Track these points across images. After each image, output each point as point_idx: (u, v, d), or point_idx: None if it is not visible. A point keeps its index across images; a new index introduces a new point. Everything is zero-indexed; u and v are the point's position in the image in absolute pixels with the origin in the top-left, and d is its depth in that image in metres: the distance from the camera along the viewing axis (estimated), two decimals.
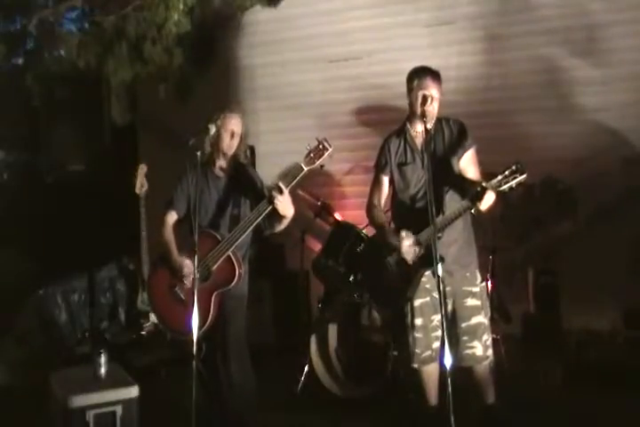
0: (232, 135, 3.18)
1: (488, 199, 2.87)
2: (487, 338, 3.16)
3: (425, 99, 3.05)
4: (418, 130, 3.16)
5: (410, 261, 3.05)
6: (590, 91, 4.70)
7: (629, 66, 4.61)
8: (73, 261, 4.95)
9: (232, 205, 3.20)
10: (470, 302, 3.12)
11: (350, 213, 4.63)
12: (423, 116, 3.01)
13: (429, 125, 3.04)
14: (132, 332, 4.44)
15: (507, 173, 2.84)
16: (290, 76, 5.40)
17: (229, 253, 3.06)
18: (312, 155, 2.96)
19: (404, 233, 3.03)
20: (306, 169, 2.97)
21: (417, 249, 3.02)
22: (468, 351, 3.10)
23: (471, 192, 2.94)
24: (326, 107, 5.26)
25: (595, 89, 4.69)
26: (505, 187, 2.84)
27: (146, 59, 4.93)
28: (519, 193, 2.92)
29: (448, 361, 2.52)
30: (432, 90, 3.06)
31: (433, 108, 3.06)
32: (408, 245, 3.02)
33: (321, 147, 2.96)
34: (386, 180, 3.26)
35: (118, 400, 2.99)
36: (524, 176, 2.83)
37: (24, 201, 5.94)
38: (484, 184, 2.85)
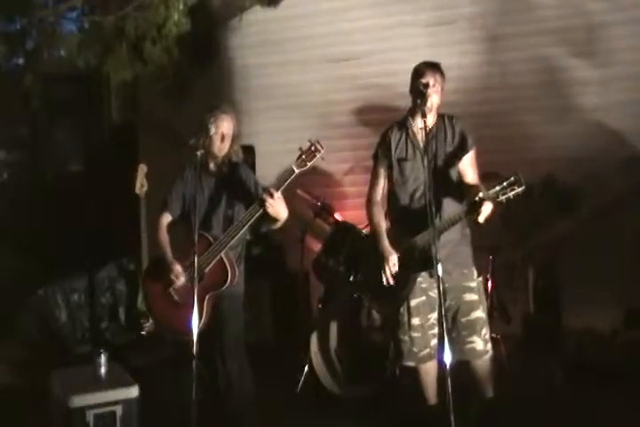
0: (222, 138, 3.16)
1: (486, 210, 2.86)
2: (486, 332, 3.17)
3: (419, 86, 3.03)
4: (420, 125, 3.14)
5: (384, 282, 3.11)
6: (590, 91, 4.70)
7: (629, 66, 4.61)
8: (73, 261, 4.95)
9: (225, 205, 3.19)
10: (469, 296, 3.13)
11: (350, 213, 4.62)
12: (423, 113, 2.97)
13: (431, 118, 3.02)
14: (131, 332, 4.44)
15: (505, 184, 2.84)
16: (290, 76, 5.39)
17: (222, 255, 3.06)
18: (304, 156, 2.94)
19: (392, 257, 3.10)
20: (297, 171, 2.95)
21: (390, 278, 3.10)
22: (468, 346, 3.10)
23: (468, 202, 2.95)
24: (326, 107, 5.26)
25: (594, 89, 4.69)
26: (502, 198, 2.85)
27: (146, 59, 4.93)
28: (520, 198, 2.92)
29: (447, 359, 2.53)
30: (428, 78, 3.06)
31: (431, 100, 3.02)
32: (390, 267, 3.09)
33: (313, 148, 2.94)
34: (385, 174, 3.25)
35: (118, 400, 2.98)
36: (523, 188, 2.84)
37: (24, 201, 5.94)
38: (480, 195, 2.85)
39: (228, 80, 5.59)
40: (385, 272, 3.11)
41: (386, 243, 3.16)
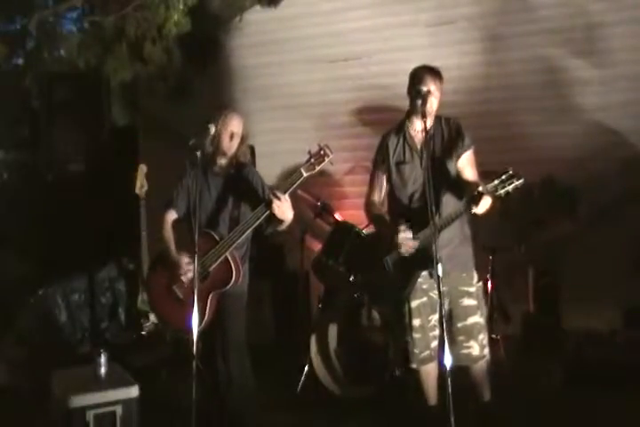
0: (232, 136, 3.18)
1: (484, 204, 2.86)
2: (483, 337, 3.15)
3: (420, 93, 3.01)
4: (417, 128, 3.15)
5: (404, 253, 3.04)
6: (590, 91, 4.70)
7: (629, 66, 4.61)
8: (73, 261, 4.95)
9: (232, 205, 3.20)
10: (466, 301, 3.12)
11: (350, 213, 4.63)
12: (422, 114, 2.95)
13: (428, 123, 2.96)
14: (131, 332, 4.44)
15: (503, 177, 2.81)
16: (290, 76, 5.39)
17: (227, 254, 3.07)
18: (312, 160, 2.95)
19: (402, 226, 3.03)
20: (305, 175, 2.96)
21: (412, 242, 3.01)
22: (465, 351, 3.09)
23: (467, 196, 2.94)
24: (326, 107, 5.26)
25: (594, 89, 4.69)
26: (501, 191, 2.82)
27: (146, 59, 4.94)
28: (519, 193, 2.90)
29: (448, 361, 2.52)
30: (429, 85, 3.04)
31: (430, 105, 3.01)
32: (404, 237, 3.01)
33: (322, 153, 2.94)
34: (384, 178, 3.25)
35: (118, 400, 2.98)
36: (522, 181, 2.81)
37: (24, 201, 5.93)
38: (480, 189, 2.83)
39: (228, 80, 5.59)
40: (400, 244, 3.02)
41: (389, 223, 3.12)
